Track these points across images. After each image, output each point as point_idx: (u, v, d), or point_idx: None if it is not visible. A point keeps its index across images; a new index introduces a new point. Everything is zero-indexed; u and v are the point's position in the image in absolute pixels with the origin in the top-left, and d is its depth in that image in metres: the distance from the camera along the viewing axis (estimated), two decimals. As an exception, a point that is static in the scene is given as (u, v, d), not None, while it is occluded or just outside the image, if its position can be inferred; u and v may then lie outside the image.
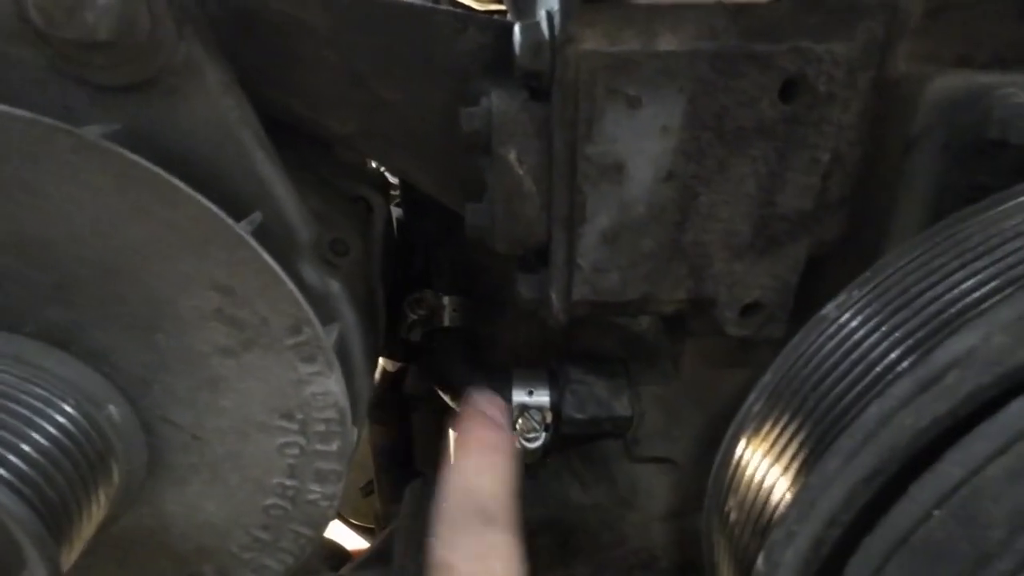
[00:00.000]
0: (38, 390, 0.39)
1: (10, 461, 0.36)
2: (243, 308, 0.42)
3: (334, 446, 0.48)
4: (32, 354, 0.40)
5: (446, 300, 0.70)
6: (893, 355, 0.37)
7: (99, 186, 0.38)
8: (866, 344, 0.39)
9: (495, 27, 0.48)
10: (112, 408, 0.42)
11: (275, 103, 0.48)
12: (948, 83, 0.47)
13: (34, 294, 0.40)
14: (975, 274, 0.37)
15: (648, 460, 0.68)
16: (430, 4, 0.47)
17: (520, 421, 0.63)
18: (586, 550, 0.70)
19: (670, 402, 0.65)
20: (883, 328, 0.39)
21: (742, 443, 0.46)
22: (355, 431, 0.50)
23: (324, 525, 0.51)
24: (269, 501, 0.49)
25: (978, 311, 0.35)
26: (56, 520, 0.38)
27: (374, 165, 0.68)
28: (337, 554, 1.02)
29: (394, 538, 0.66)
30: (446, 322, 0.70)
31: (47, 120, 0.36)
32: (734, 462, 0.46)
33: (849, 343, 0.40)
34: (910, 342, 0.37)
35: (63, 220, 0.38)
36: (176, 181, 0.38)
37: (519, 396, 0.65)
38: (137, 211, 0.39)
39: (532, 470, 0.75)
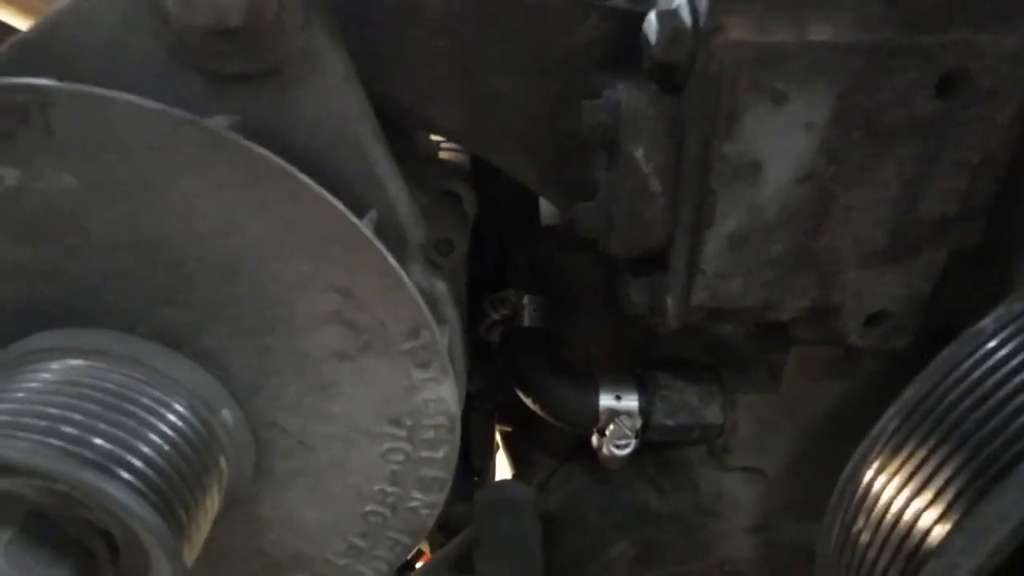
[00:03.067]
0: (155, 392, 0.38)
1: (131, 463, 0.34)
2: (361, 311, 0.40)
3: (441, 453, 0.46)
4: (148, 355, 0.39)
5: (527, 299, 0.68)
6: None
7: (223, 180, 0.36)
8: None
9: (618, 16, 0.45)
10: (225, 412, 0.40)
11: (380, 93, 0.46)
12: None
13: (150, 294, 0.39)
14: None
15: (736, 470, 0.65)
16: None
17: (612, 427, 0.61)
18: (666, 560, 0.68)
19: (765, 412, 0.62)
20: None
21: (877, 461, 0.43)
22: (458, 439, 0.48)
23: (423, 533, 0.49)
24: (369, 508, 0.47)
25: None
26: (177, 521, 0.36)
27: (459, 156, 0.65)
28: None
29: (474, 545, 0.64)
30: (526, 322, 0.67)
31: (175, 111, 0.34)
32: (866, 481, 0.44)
33: (1015, 362, 0.37)
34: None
35: (182, 218, 0.37)
36: (303, 176, 0.36)
37: (607, 401, 0.62)
38: (259, 207, 0.37)
39: (602, 475, 0.73)
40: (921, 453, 0.40)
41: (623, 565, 0.68)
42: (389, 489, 0.47)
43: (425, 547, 1.06)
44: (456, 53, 0.45)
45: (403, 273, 0.39)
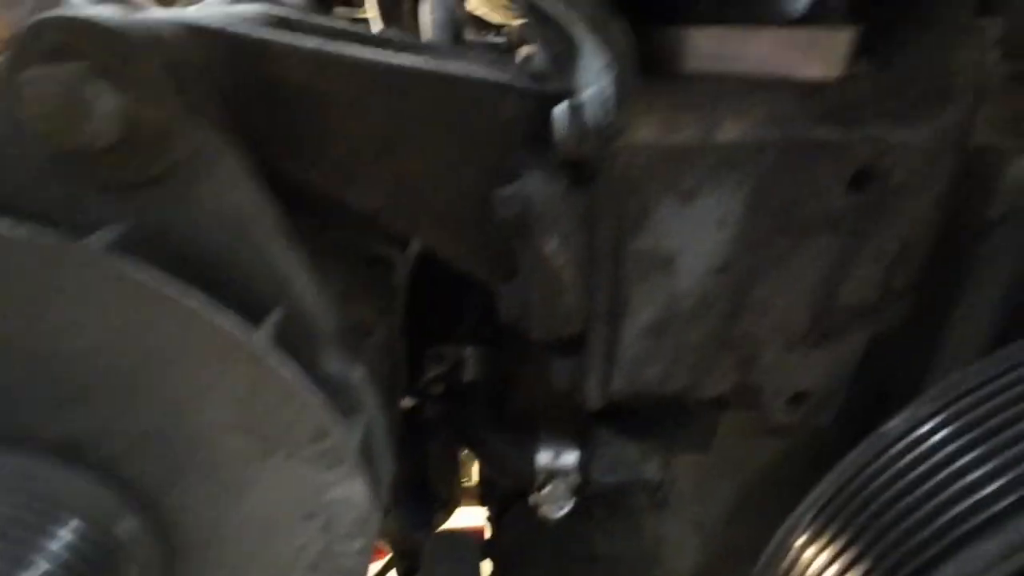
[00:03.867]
0: (43, 511, 0.37)
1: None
2: (264, 418, 0.39)
3: (356, 544, 0.45)
4: (39, 471, 0.38)
5: (468, 352, 0.67)
6: (975, 498, 0.34)
7: (108, 302, 0.34)
8: (941, 476, 0.36)
9: (536, 97, 0.43)
10: (126, 522, 0.39)
11: (296, 176, 0.45)
12: (1033, 166, 0.43)
13: (43, 406, 0.37)
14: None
15: (678, 520, 0.66)
16: (464, 71, 0.43)
17: (546, 490, 0.61)
18: (611, 606, 0.69)
19: (701, 468, 0.62)
20: (963, 460, 0.35)
21: (790, 555, 0.43)
22: (378, 521, 0.48)
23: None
24: (290, 594, 0.47)
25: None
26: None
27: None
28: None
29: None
30: (468, 376, 0.67)
31: (47, 239, 0.32)
32: (781, 572, 0.44)
33: (920, 471, 0.37)
34: (995, 485, 0.33)
35: (73, 335, 0.35)
36: (188, 297, 0.35)
37: (545, 459, 0.62)
38: (146, 326, 0.35)
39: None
40: (832, 551, 0.40)
41: (567, 611, 0.69)
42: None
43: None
44: (367, 135, 0.44)
45: (303, 381, 0.38)
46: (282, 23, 0.51)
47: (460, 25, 0.66)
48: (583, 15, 0.35)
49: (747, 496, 0.64)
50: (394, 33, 0.71)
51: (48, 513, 0.36)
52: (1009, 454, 0.34)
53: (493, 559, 0.82)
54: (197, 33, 0.38)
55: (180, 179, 0.37)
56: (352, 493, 0.42)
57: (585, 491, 0.62)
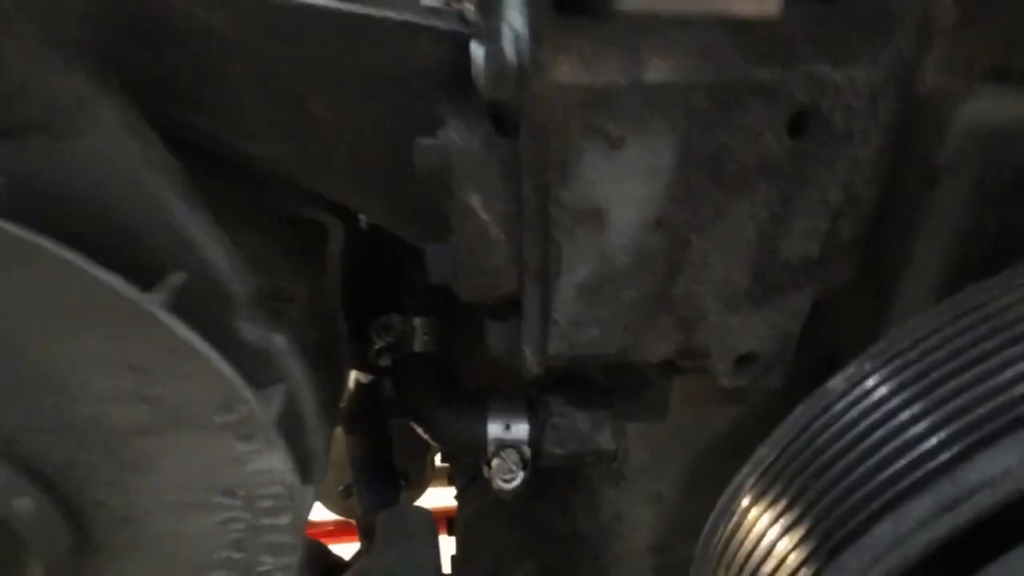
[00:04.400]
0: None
1: None
2: (162, 387, 0.36)
3: (283, 520, 0.43)
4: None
5: (416, 323, 0.64)
6: (913, 453, 0.32)
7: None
8: (882, 432, 0.34)
9: (454, 39, 0.40)
10: (21, 500, 0.37)
11: (193, 125, 0.41)
12: (985, 107, 0.40)
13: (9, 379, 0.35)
14: (1011, 363, 0.32)
15: (634, 492, 0.64)
16: (375, 11, 0.40)
17: (496, 461, 0.59)
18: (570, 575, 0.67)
19: (656, 438, 0.61)
20: (902, 416, 0.34)
21: (734, 518, 0.41)
22: (310, 495, 0.46)
23: (280, 591, 0.47)
24: (215, 574, 0.45)
25: (1015, 415, 0.30)
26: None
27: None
28: (319, 556, 1.00)
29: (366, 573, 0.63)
30: (416, 347, 0.64)
31: None
32: (725, 537, 0.42)
33: (861, 428, 0.35)
34: (934, 441, 0.32)
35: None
36: (66, 253, 0.32)
37: (495, 431, 0.60)
38: (28, 289, 0.33)
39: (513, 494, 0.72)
40: (772, 513, 0.39)
41: (524, 586, 0.67)
42: (235, 555, 0.44)
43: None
44: (270, 82, 0.40)
45: (204, 346, 0.35)
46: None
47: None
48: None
49: (703, 466, 0.62)
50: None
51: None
52: (947, 409, 0.32)
53: (455, 537, 0.81)
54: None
55: (58, 129, 0.34)
56: (272, 465, 0.40)
57: (537, 463, 0.60)
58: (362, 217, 0.67)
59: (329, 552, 0.98)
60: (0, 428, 0.36)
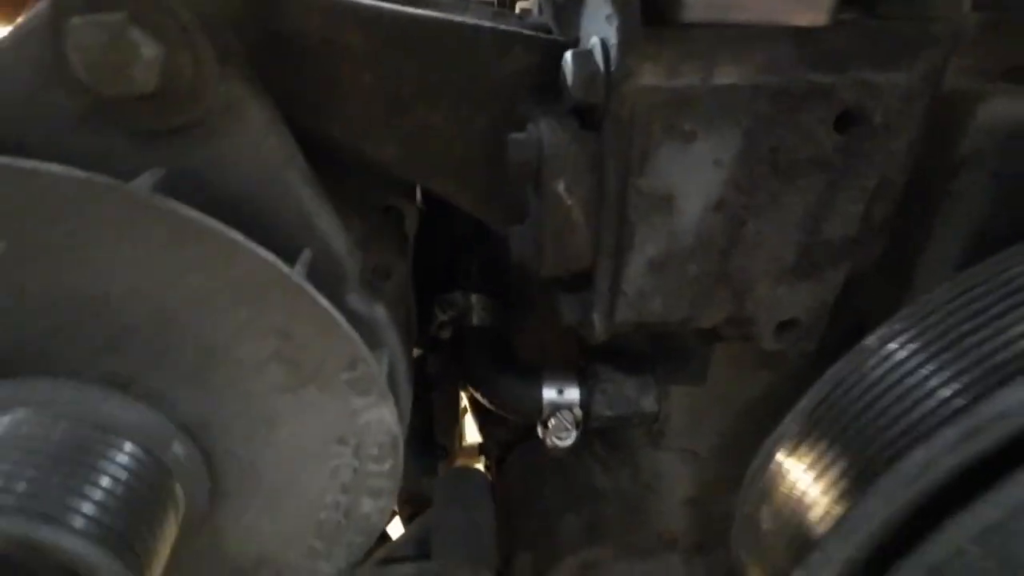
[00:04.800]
0: (103, 437, 0.40)
1: (83, 511, 0.37)
2: (300, 350, 0.42)
3: (386, 466, 0.49)
4: (94, 400, 0.41)
5: (474, 299, 0.70)
6: (940, 395, 0.39)
7: (151, 243, 0.37)
8: (911, 381, 0.41)
9: (543, 46, 0.46)
10: (176, 446, 0.43)
11: (314, 129, 0.47)
12: (1003, 106, 0.46)
13: (92, 344, 0.40)
14: (1021, 319, 0.38)
15: (672, 451, 0.71)
16: (473, 21, 0.45)
17: (552, 421, 0.65)
18: (611, 532, 0.74)
19: (696, 400, 0.67)
20: (929, 366, 0.40)
21: (777, 462, 0.48)
22: (403, 447, 0.52)
23: (376, 533, 0.54)
24: (323, 515, 0.51)
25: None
26: (134, 556, 0.39)
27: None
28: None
29: (432, 530, 0.69)
30: (475, 321, 0.70)
31: (97, 178, 0.35)
32: (769, 479, 0.49)
33: (893, 378, 0.42)
34: (957, 385, 0.38)
35: (115, 276, 0.38)
36: (231, 233, 0.38)
37: (550, 395, 0.66)
38: (189, 265, 0.38)
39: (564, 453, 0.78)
40: (813, 456, 0.45)
41: (571, 538, 0.74)
42: (341, 499, 0.51)
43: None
44: (382, 87, 0.46)
45: (336, 313, 0.41)
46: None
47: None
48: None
49: (738, 428, 0.69)
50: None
51: (105, 437, 0.40)
52: (968, 358, 0.38)
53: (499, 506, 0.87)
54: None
55: (211, 127, 0.39)
56: (381, 417, 0.46)
57: (587, 424, 0.67)
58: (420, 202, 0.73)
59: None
60: (158, 383, 0.42)
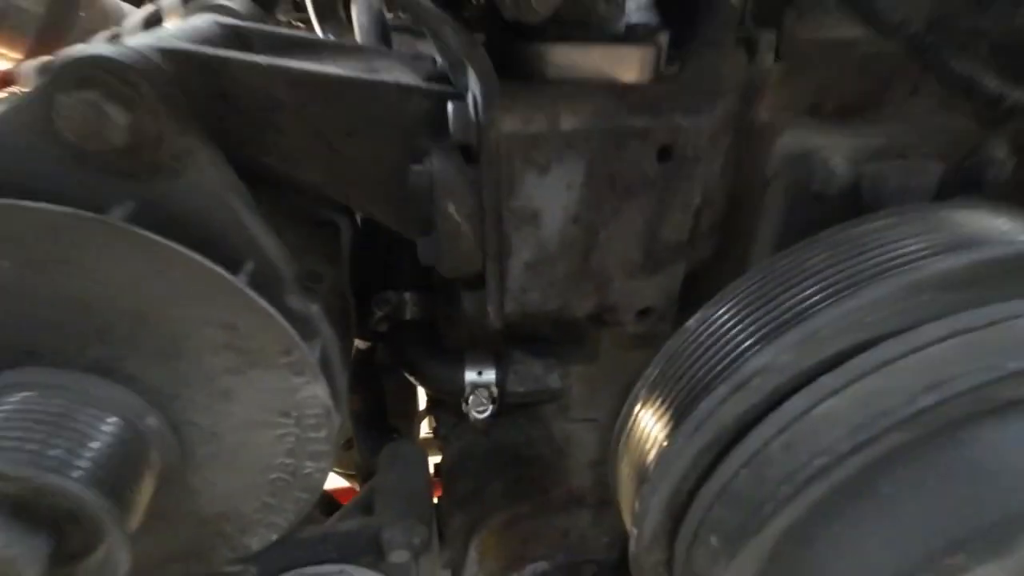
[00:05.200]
0: (93, 411, 0.51)
1: (81, 465, 0.49)
2: (246, 340, 0.54)
3: (323, 433, 0.61)
4: (83, 383, 0.52)
5: (407, 296, 0.83)
6: (726, 359, 0.52)
7: (125, 260, 0.49)
8: (710, 351, 0.54)
9: (435, 96, 0.58)
10: (149, 419, 0.55)
11: (254, 160, 0.59)
12: (791, 139, 0.60)
13: (80, 338, 0.52)
14: (792, 296, 0.51)
15: (578, 420, 0.84)
16: (380, 78, 0.57)
17: (472, 397, 0.78)
18: (530, 492, 0.87)
19: (592, 376, 0.80)
20: (720, 340, 0.53)
21: (630, 421, 0.61)
22: (339, 418, 0.64)
23: (319, 489, 0.66)
24: (274, 476, 0.63)
25: (777, 333, 0.50)
26: (120, 500, 0.51)
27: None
28: (327, 501, 1.20)
29: (374, 493, 0.81)
30: (408, 315, 0.82)
31: (82, 213, 0.46)
32: (625, 435, 0.62)
33: (699, 349, 0.55)
34: (737, 351, 0.52)
35: (99, 283, 0.50)
36: (186, 251, 0.49)
37: (471, 376, 0.79)
38: (155, 274, 0.50)
39: (486, 426, 0.91)
40: (653, 410, 0.59)
41: (496, 499, 0.87)
42: (287, 461, 0.62)
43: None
44: (309, 129, 0.58)
45: (273, 310, 0.53)
46: (236, 36, 0.65)
47: (385, 24, 0.79)
48: (457, 45, 0.50)
49: (627, 397, 0.82)
50: (328, 37, 0.83)
51: (94, 412, 0.51)
52: (752, 326, 0.51)
53: (440, 476, 1.00)
54: (174, 57, 0.51)
55: (170, 169, 0.51)
56: (316, 393, 0.58)
57: (503, 400, 0.80)
58: (359, 217, 0.85)
59: (332, 496, 1.18)
60: (133, 370, 0.54)
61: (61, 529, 0.48)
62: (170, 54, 0.51)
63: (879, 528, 0.46)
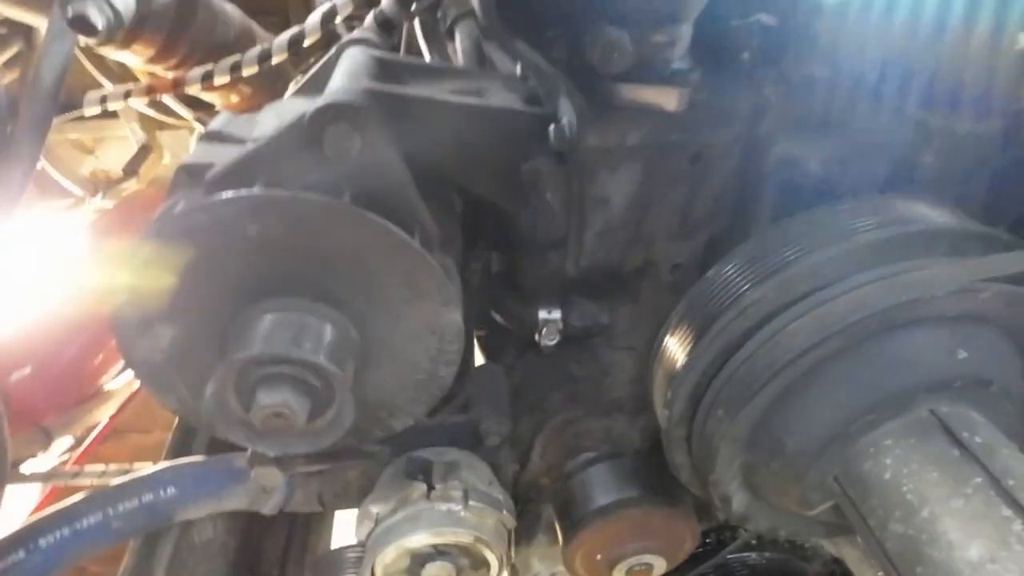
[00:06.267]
0: (322, 322, 0.80)
1: (322, 350, 0.77)
2: (414, 280, 0.82)
3: (455, 346, 0.90)
4: (305, 308, 0.81)
5: (493, 255, 1.10)
6: (731, 297, 0.79)
7: (349, 227, 0.77)
8: (720, 292, 0.81)
9: (539, 118, 0.84)
10: (352, 331, 0.83)
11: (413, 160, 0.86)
12: (782, 148, 0.86)
13: (315, 277, 0.80)
14: (783, 257, 0.78)
15: (620, 348, 1.13)
16: (501, 105, 0.83)
17: (544, 330, 1.06)
18: (582, 401, 1.16)
19: (633, 314, 1.08)
20: (727, 285, 0.81)
21: (665, 339, 0.90)
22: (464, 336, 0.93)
23: (447, 388, 0.95)
24: (420, 376, 0.92)
25: (765, 279, 0.77)
26: (342, 372, 0.80)
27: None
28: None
29: (469, 399, 1.11)
30: (494, 269, 1.10)
31: (323, 198, 0.74)
32: (660, 352, 0.90)
33: (713, 291, 0.83)
34: (738, 291, 0.79)
35: (332, 243, 0.78)
36: (384, 222, 0.77)
37: (543, 314, 1.07)
38: (366, 237, 0.78)
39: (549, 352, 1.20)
40: (680, 333, 0.87)
41: (556, 407, 1.17)
42: (429, 366, 0.92)
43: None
44: (456, 140, 0.84)
45: (433, 261, 0.81)
46: (385, 68, 0.91)
47: (482, 49, 1.05)
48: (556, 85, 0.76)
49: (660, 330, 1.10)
50: (439, 61, 1.09)
51: (319, 318, 0.80)
52: (754, 272, 0.78)
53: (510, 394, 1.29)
54: (376, 97, 0.78)
55: (375, 168, 0.78)
56: (455, 318, 0.87)
57: (566, 332, 1.08)
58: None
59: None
60: (342, 299, 0.82)
61: (313, 395, 0.78)
62: (373, 93, 0.78)
63: (824, 399, 0.75)
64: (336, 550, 1.16)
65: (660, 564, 1.03)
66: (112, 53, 1.51)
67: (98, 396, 1.88)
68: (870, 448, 0.72)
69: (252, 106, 1.94)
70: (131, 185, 2.69)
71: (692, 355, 0.81)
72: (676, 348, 0.87)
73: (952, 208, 0.81)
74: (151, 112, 2.38)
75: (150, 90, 1.33)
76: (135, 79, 1.79)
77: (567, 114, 0.80)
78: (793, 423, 0.76)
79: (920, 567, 0.64)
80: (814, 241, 0.77)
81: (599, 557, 1.02)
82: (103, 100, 1.26)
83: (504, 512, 1.01)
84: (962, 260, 0.71)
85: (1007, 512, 0.61)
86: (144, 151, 2.72)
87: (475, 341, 1.53)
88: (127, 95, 1.30)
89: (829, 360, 0.73)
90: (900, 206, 0.81)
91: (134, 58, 1.53)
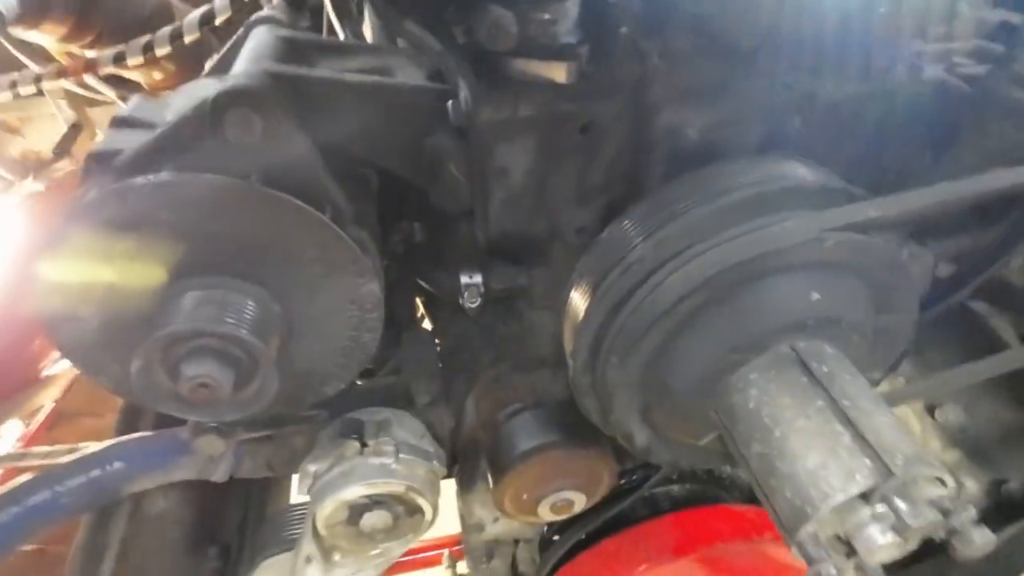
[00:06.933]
0: (244, 298, 0.85)
1: (245, 323, 0.83)
2: (328, 255, 0.88)
3: (375, 314, 0.97)
4: (228, 285, 0.85)
5: (416, 225, 1.16)
6: (620, 255, 0.87)
7: (260, 207, 0.81)
8: (613, 250, 0.89)
9: (441, 93, 0.89)
10: (274, 306, 0.89)
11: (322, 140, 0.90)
12: (666, 116, 0.93)
13: (233, 256, 0.85)
14: (651, 220, 0.86)
15: (540, 308, 1.21)
16: (406, 81, 0.88)
17: (466, 293, 1.13)
18: (508, 357, 1.25)
19: (548, 276, 1.16)
20: (619, 243, 0.89)
21: (571, 295, 0.98)
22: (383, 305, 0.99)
23: (372, 352, 1.01)
24: (344, 343, 0.98)
25: (650, 235, 0.85)
26: (265, 345, 0.86)
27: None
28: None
29: (400, 361, 1.18)
30: (416, 239, 1.16)
31: (236, 181, 0.78)
32: (569, 302, 0.98)
33: (607, 249, 0.90)
34: (626, 250, 0.87)
35: (245, 222, 0.82)
36: (295, 200, 0.82)
37: (464, 279, 1.14)
38: (277, 216, 0.82)
39: (477, 314, 1.27)
40: (583, 287, 0.95)
41: (486, 364, 1.25)
42: (353, 333, 0.98)
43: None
44: (361, 115, 0.89)
45: (345, 236, 0.87)
46: (293, 47, 0.94)
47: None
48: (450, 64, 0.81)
49: (575, 290, 1.18)
50: (350, 38, 1.11)
51: (245, 298, 0.85)
52: (642, 230, 0.86)
53: (442, 354, 1.37)
54: (278, 78, 0.81)
55: (281, 148, 0.83)
56: (373, 288, 0.93)
57: (487, 295, 1.15)
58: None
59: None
60: (264, 277, 0.87)
61: (237, 365, 0.83)
62: (274, 75, 0.81)
63: (700, 344, 0.84)
64: (280, 510, 1.24)
65: (580, 499, 1.14)
66: (23, 34, 1.47)
67: (39, 381, 1.89)
68: (739, 383, 0.82)
69: (177, 83, 1.91)
70: (64, 166, 2.62)
71: (588, 309, 0.89)
72: (578, 303, 0.95)
73: (815, 167, 0.90)
74: (78, 90, 2.30)
75: (61, 72, 1.30)
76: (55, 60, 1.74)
77: (463, 89, 0.85)
78: (676, 366, 0.86)
79: (773, 479, 0.75)
80: (689, 203, 0.85)
81: (525, 497, 1.12)
82: (13, 85, 1.25)
83: (434, 463, 1.10)
84: (814, 214, 0.81)
85: (839, 428, 0.72)
86: (75, 129, 2.63)
87: (420, 307, 1.60)
88: (38, 79, 1.28)
89: (701, 309, 0.82)
90: (769, 167, 0.89)
91: (47, 38, 1.49)
